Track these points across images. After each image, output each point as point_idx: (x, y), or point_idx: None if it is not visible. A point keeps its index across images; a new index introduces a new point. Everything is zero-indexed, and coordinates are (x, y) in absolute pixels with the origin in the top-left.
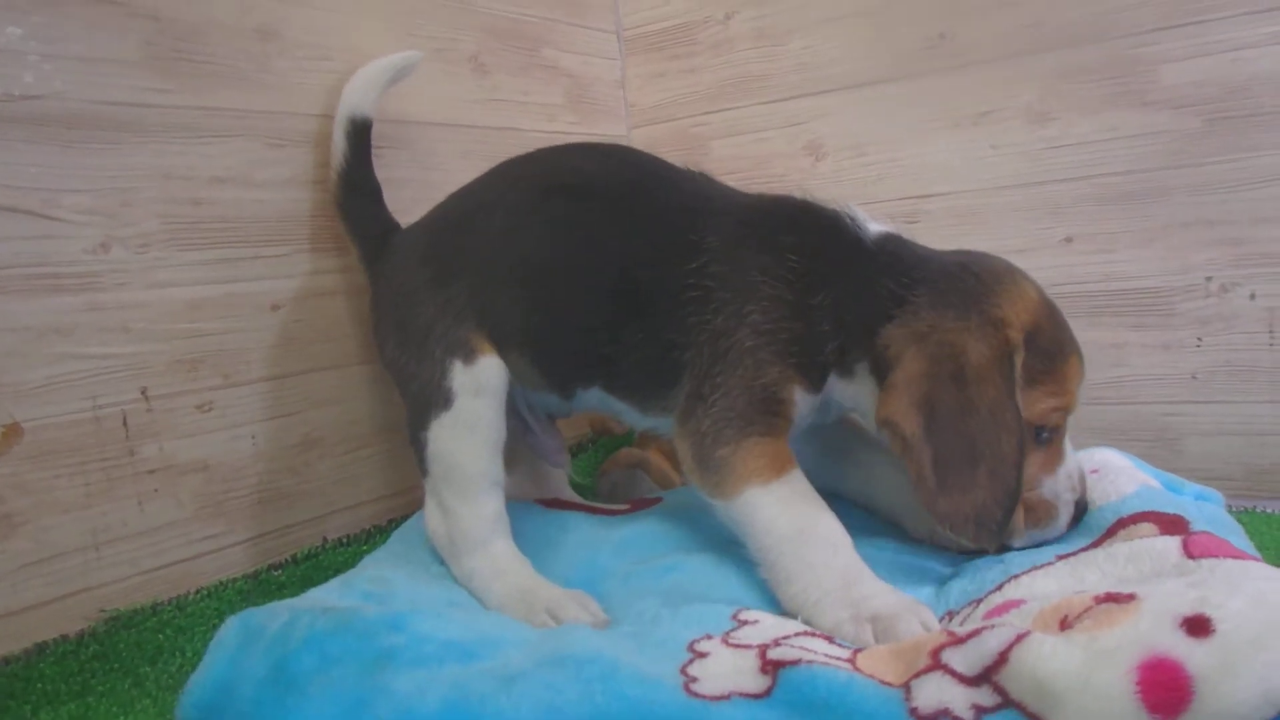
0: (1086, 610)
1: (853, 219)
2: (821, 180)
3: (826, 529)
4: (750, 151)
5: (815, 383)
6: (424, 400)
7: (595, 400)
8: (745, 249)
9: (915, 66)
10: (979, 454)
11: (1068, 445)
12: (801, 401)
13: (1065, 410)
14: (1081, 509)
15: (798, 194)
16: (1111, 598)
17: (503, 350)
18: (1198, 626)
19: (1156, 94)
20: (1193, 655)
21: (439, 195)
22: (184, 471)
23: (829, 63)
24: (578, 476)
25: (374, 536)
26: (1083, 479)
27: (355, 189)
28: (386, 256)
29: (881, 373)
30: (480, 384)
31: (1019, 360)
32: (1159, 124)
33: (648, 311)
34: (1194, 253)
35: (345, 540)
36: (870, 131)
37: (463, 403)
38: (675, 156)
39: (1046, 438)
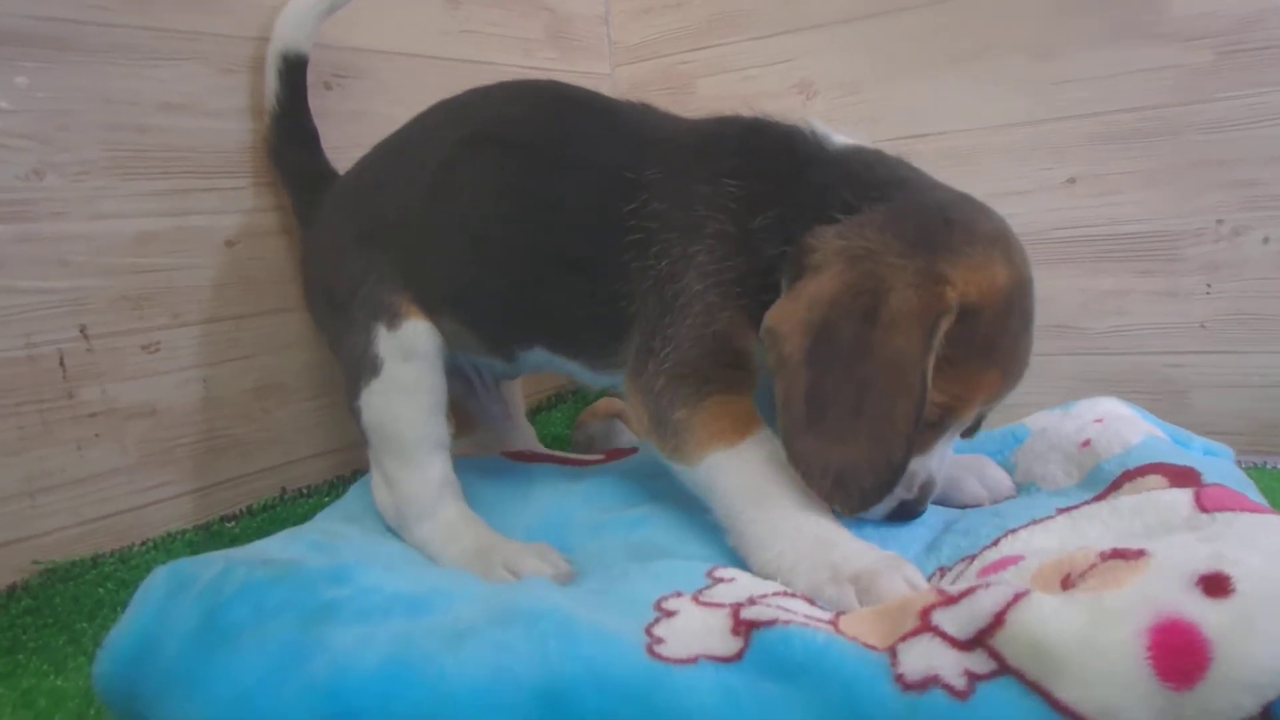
0: (1091, 568)
1: (813, 133)
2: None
3: (798, 490)
4: (738, 90)
5: None
6: (354, 367)
7: (540, 360)
8: (688, 180)
9: None
10: (863, 407)
11: (937, 450)
12: (760, 350)
13: (952, 413)
14: (907, 511)
15: (746, 113)
16: (1118, 554)
17: (432, 314)
18: (1215, 585)
19: (1165, 26)
20: (1209, 617)
21: None
22: (128, 416)
23: None
24: (555, 428)
25: (336, 488)
26: (926, 487)
27: (289, 134)
28: (317, 211)
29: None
30: (408, 348)
31: (945, 325)
32: (1168, 58)
33: (586, 263)
34: (1204, 195)
35: (305, 491)
36: (863, 69)
37: (392, 368)
38: (660, 96)
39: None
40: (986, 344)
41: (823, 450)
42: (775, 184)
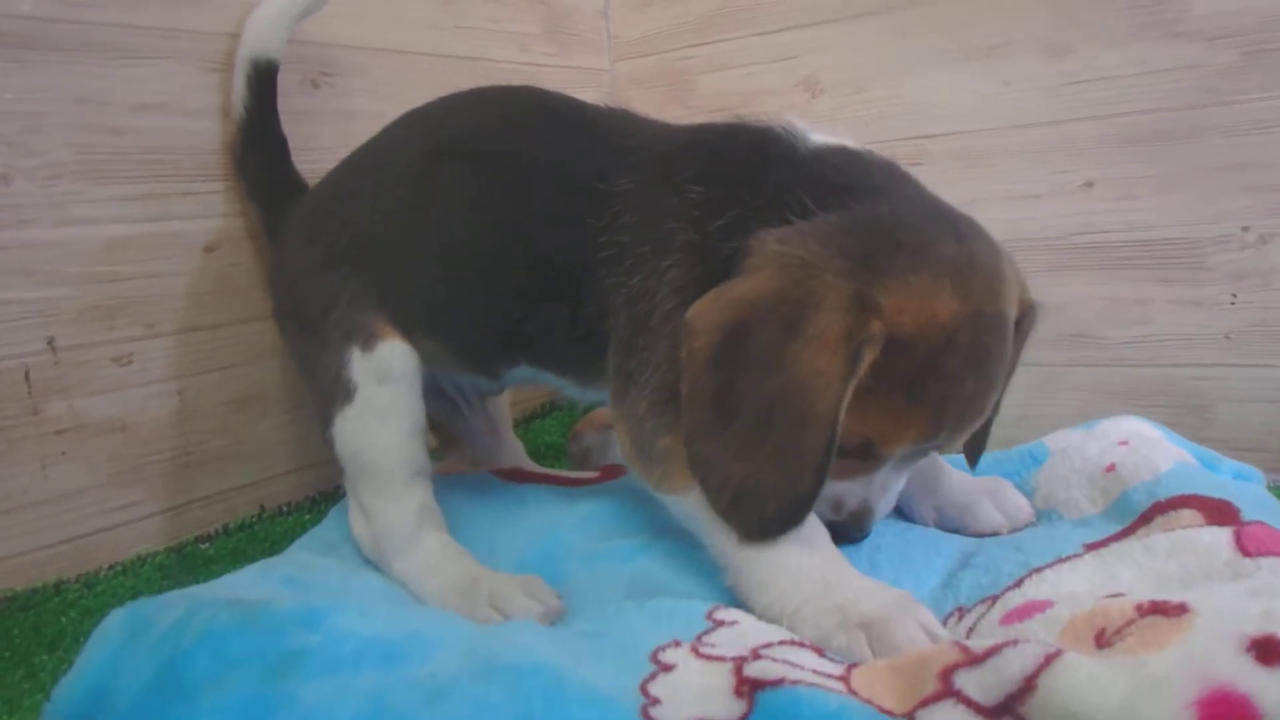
0: (1129, 623)
1: (786, 131)
2: (817, 120)
3: None
4: (740, 87)
5: None
6: (327, 392)
7: (527, 376)
8: (657, 192)
9: None
10: (771, 424)
11: (878, 479)
12: None
13: (875, 446)
14: (839, 534)
15: (721, 119)
16: (1158, 608)
17: (409, 334)
18: (1268, 651)
19: (1188, 24)
20: (1264, 689)
21: None
22: (98, 432)
23: None
24: (549, 436)
25: (317, 504)
26: (861, 515)
27: (257, 145)
28: (284, 225)
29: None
30: (383, 371)
31: (869, 355)
32: (1190, 57)
33: (562, 280)
34: (1229, 200)
35: (285, 509)
36: (871, 66)
37: (367, 393)
38: (661, 93)
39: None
40: (914, 382)
41: (724, 460)
42: (737, 186)
